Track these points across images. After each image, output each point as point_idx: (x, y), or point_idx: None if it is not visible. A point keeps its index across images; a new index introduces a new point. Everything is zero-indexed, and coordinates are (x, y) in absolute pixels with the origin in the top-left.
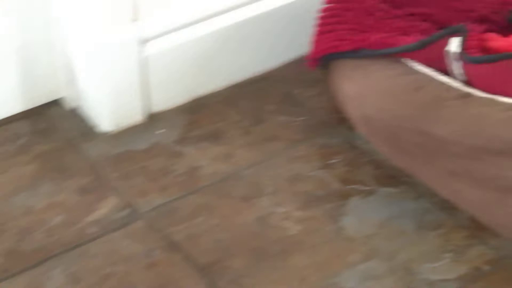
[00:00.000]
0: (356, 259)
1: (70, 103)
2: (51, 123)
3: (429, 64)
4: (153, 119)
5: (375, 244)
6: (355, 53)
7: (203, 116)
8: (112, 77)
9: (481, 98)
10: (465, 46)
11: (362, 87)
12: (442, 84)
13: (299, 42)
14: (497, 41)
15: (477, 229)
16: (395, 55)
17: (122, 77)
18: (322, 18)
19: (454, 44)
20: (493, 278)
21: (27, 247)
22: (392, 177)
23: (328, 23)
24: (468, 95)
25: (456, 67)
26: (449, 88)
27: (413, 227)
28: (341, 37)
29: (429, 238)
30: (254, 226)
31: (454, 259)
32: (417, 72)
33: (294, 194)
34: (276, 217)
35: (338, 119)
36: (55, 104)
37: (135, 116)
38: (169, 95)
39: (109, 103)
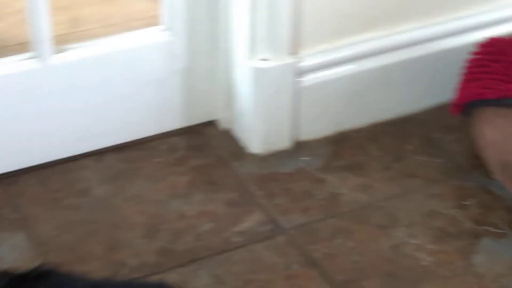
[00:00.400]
0: None
1: (224, 124)
2: (205, 141)
3: None
4: (299, 147)
5: (506, 283)
6: (499, 102)
7: (346, 148)
8: (267, 104)
9: None
10: None
11: (503, 134)
12: None
13: (443, 89)
14: None
15: None
16: None
17: (277, 105)
18: (470, 67)
19: None
20: None
21: (178, 248)
22: None
23: (475, 72)
24: None
25: None
26: None
27: None
28: (487, 86)
29: None
30: (388, 253)
31: None
32: None
33: (428, 228)
34: (409, 247)
35: (475, 165)
36: (210, 124)
37: (283, 142)
38: (317, 126)
39: (261, 127)
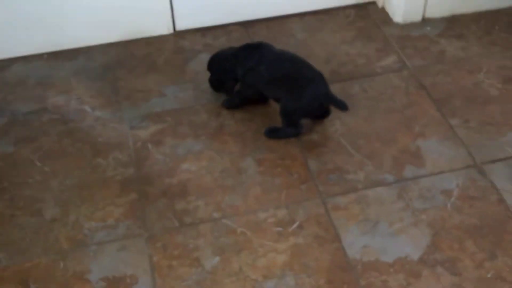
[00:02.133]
0: None
1: (380, 3)
2: (368, 13)
3: None
4: (426, 21)
5: None
6: None
7: (456, 25)
8: None
9: None
10: None
11: None
12: None
13: None
14: None
15: None
16: None
17: None
18: None
19: None
20: None
21: (342, 71)
22: None
23: None
24: None
25: None
26: None
27: None
28: None
29: None
30: (470, 86)
31: None
32: None
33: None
34: (485, 84)
35: None
36: (372, 3)
37: (416, 17)
38: (439, 8)
39: (404, 6)
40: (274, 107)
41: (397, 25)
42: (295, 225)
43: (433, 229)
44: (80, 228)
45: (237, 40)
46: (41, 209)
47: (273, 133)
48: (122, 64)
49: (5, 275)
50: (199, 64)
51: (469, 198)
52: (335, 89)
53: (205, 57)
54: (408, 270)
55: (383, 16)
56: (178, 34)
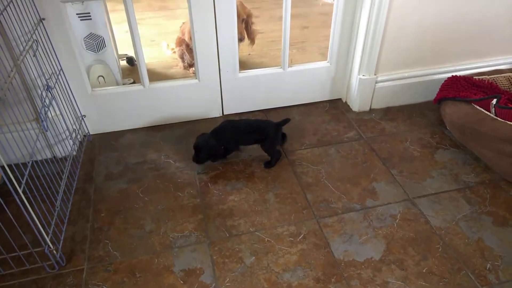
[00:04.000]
0: None
1: (345, 99)
2: (337, 105)
3: (482, 107)
4: (372, 110)
5: None
6: (454, 99)
7: (390, 113)
8: (361, 92)
9: (500, 120)
10: (498, 102)
11: (453, 110)
12: (486, 114)
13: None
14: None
15: None
16: (470, 102)
17: (366, 93)
18: (444, 84)
19: (494, 100)
20: None
21: (311, 137)
22: None
23: (446, 85)
24: (495, 118)
25: (492, 109)
26: (488, 115)
27: None
28: (450, 92)
29: None
30: (403, 149)
31: None
32: (477, 108)
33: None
34: None
35: (442, 122)
36: (339, 100)
37: (366, 107)
38: (380, 102)
39: (359, 101)
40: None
41: (355, 112)
42: (301, 236)
43: (387, 240)
44: (167, 237)
45: None
46: (143, 224)
47: (269, 164)
48: (191, 134)
49: (120, 267)
50: None
51: (407, 220)
52: (319, 151)
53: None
54: (373, 266)
55: (346, 107)
56: (225, 116)
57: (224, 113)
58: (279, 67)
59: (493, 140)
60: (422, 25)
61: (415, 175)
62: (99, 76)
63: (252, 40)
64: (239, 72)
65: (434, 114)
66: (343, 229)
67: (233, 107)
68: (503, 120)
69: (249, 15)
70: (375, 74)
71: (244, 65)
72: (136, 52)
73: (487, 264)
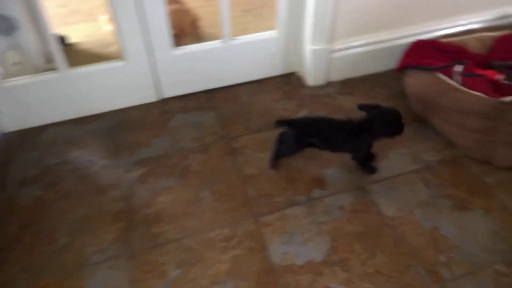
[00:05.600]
0: None
1: (299, 73)
2: (290, 80)
3: (446, 74)
4: (328, 84)
5: None
6: (416, 67)
7: (348, 86)
8: (316, 64)
9: (464, 90)
10: (463, 69)
11: (415, 81)
12: (448, 83)
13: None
14: (480, 70)
15: None
16: (432, 70)
17: (320, 65)
18: (408, 50)
19: (458, 68)
20: None
21: (257, 119)
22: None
23: (409, 52)
24: (458, 88)
25: (457, 77)
26: (451, 85)
27: None
28: (412, 59)
29: None
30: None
31: None
32: (439, 78)
33: None
34: None
35: (403, 93)
36: (293, 73)
37: (322, 80)
38: (337, 74)
39: (313, 74)
40: (222, 150)
41: (309, 87)
42: (235, 240)
43: (332, 236)
44: (82, 252)
45: (203, 103)
46: (56, 238)
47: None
48: (121, 126)
49: None
50: (176, 121)
51: (357, 211)
52: (266, 136)
53: (181, 117)
54: (314, 270)
55: (301, 81)
56: (163, 101)
57: (164, 97)
58: (220, 40)
59: (456, 113)
60: None
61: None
62: (14, 63)
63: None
64: (174, 48)
65: (398, 84)
66: (284, 228)
67: (171, 89)
68: (466, 90)
69: (194, 20)
70: (330, 43)
71: (191, 37)
72: (42, 27)
73: (441, 257)
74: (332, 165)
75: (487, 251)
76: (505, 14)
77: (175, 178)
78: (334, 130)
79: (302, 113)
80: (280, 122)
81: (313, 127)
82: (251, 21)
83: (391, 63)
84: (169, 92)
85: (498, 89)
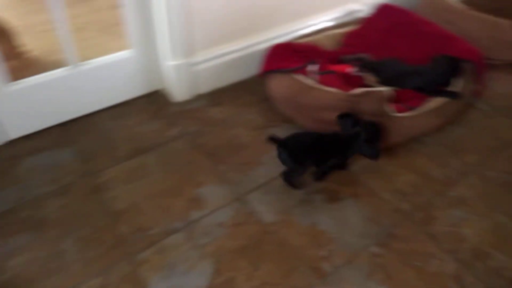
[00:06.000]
0: None
1: (164, 90)
2: (156, 98)
3: (303, 74)
4: (197, 97)
5: None
6: (276, 71)
7: (220, 95)
8: (179, 79)
9: (320, 88)
10: (317, 68)
11: (276, 84)
12: (305, 83)
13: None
14: (333, 66)
15: None
16: (290, 72)
17: (184, 79)
18: (267, 54)
19: (313, 67)
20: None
21: (122, 146)
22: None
23: (268, 56)
24: (314, 87)
25: (313, 76)
26: (307, 84)
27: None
28: (272, 63)
29: None
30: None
31: None
32: (297, 78)
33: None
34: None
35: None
36: (157, 91)
37: (189, 95)
38: (205, 86)
39: (179, 90)
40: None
41: (177, 104)
42: None
43: (215, 257)
44: None
45: (58, 138)
46: None
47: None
48: None
49: None
50: (25, 166)
51: (238, 225)
52: (136, 163)
53: (30, 160)
54: None
55: (166, 99)
56: (8, 144)
57: (10, 139)
58: (67, 67)
59: (315, 110)
60: None
61: (245, 166)
62: None
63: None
64: (7, 85)
65: (264, 89)
66: (163, 261)
67: (17, 129)
68: (321, 88)
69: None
70: (190, 56)
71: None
72: None
73: (322, 252)
74: (207, 182)
75: (362, 236)
76: (350, 11)
77: (29, 234)
78: (326, 145)
79: (173, 131)
80: (272, 139)
81: (304, 145)
82: (109, 41)
83: (256, 68)
84: (14, 133)
85: (350, 81)
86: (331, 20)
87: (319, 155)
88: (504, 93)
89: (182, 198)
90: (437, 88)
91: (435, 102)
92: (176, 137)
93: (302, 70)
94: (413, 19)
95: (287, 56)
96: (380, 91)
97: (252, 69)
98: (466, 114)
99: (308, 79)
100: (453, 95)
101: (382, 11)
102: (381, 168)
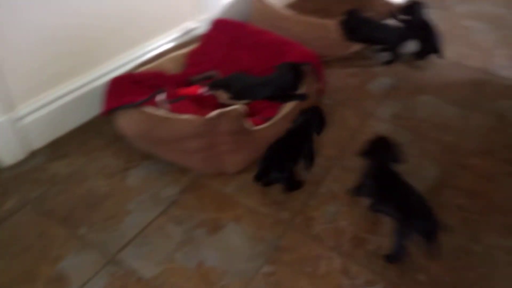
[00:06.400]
0: None
1: None
2: None
3: (153, 106)
4: (33, 154)
5: None
6: (122, 107)
7: (62, 146)
8: (3, 139)
9: (175, 117)
10: (166, 96)
11: (126, 121)
12: (157, 114)
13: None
14: (183, 90)
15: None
16: (138, 105)
17: (11, 138)
18: (107, 91)
19: (161, 96)
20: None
21: None
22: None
23: (109, 92)
24: (168, 117)
25: (163, 105)
26: (160, 115)
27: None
28: (114, 100)
29: None
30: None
31: None
32: (147, 112)
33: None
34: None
35: (120, 135)
36: None
37: (22, 154)
38: (40, 139)
39: (7, 152)
40: None
41: (8, 168)
42: None
43: None
44: None
45: None
46: None
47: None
48: None
49: None
50: None
51: None
52: None
53: None
54: None
55: None
56: None
57: None
58: None
59: (175, 142)
60: (48, 26)
61: (109, 221)
62: None
63: None
64: None
65: (113, 128)
66: None
67: None
68: (175, 117)
69: None
70: (11, 111)
71: None
72: None
73: None
74: (67, 253)
75: (251, 259)
76: (187, 30)
77: None
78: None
79: (9, 204)
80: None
81: (273, 157)
82: None
83: (98, 107)
84: None
85: (205, 102)
86: (170, 42)
87: (295, 152)
88: (341, 86)
89: (40, 283)
90: (286, 93)
91: (287, 107)
92: (15, 209)
93: (151, 101)
94: (249, 30)
95: (130, 89)
96: (235, 109)
97: (94, 109)
98: None
99: (160, 110)
100: (301, 97)
101: (218, 26)
102: (254, 183)
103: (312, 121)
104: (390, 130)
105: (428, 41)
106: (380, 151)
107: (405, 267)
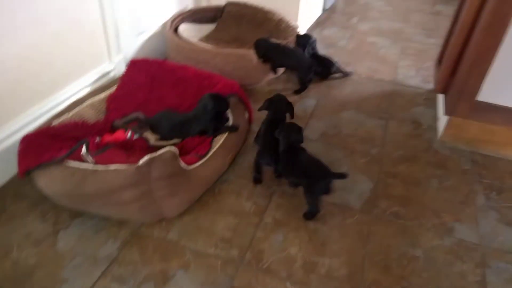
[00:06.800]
0: None
1: None
2: None
3: (78, 159)
4: None
5: None
6: (41, 166)
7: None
8: None
9: (100, 170)
10: (89, 148)
11: (49, 180)
12: (83, 169)
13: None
14: (108, 137)
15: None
16: (60, 161)
17: None
18: (20, 150)
19: (84, 149)
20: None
21: None
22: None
23: (23, 151)
24: (95, 170)
25: (88, 158)
26: (86, 169)
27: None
28: (31, 159)
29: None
30: None
31: None
32: (72, 167)
33: None
34: None
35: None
36: None
37: None
38: None
39: None
40: None
41: None
42: None
43: None
44: None
45: None
46: None
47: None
48: None
49: None
50: None
51: None
52: None
53: None
54: None
55: None
56: None
57: None
58: None
59: (107, 195)
60: None
61: None
62: None
63: None
64: None
65: (35, 188)
66: None
67: None
68: (102, 169)
69: None
70: None
71: None
72: None
73: None
74: None
75: None
76: (103, 73)
77: None
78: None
79: None
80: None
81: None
82: None
83: (12, 168)
84: None
85: (134, 147)
86: (86, 87)
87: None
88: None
89: None
90: (217, 126)
91: (218, 140)
92: None
93: (75, 155)
94: (169, 67)
95: (48, 145)
96: (167, 151)
97: (9, 171)
98: (248, 140)
99: (86, 163)
100: (232, 128)
101: (136, 66)
102: (199, 225)
103: (282, 106)
104: (321, 149)
105: (327, 67)
106: (287, 131)
107: (357, 284)
